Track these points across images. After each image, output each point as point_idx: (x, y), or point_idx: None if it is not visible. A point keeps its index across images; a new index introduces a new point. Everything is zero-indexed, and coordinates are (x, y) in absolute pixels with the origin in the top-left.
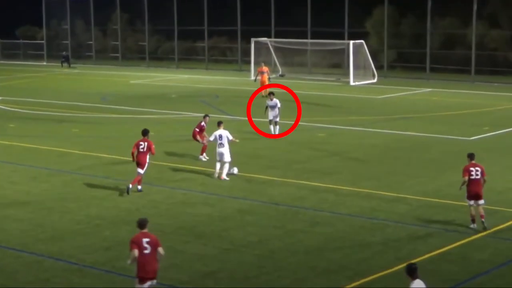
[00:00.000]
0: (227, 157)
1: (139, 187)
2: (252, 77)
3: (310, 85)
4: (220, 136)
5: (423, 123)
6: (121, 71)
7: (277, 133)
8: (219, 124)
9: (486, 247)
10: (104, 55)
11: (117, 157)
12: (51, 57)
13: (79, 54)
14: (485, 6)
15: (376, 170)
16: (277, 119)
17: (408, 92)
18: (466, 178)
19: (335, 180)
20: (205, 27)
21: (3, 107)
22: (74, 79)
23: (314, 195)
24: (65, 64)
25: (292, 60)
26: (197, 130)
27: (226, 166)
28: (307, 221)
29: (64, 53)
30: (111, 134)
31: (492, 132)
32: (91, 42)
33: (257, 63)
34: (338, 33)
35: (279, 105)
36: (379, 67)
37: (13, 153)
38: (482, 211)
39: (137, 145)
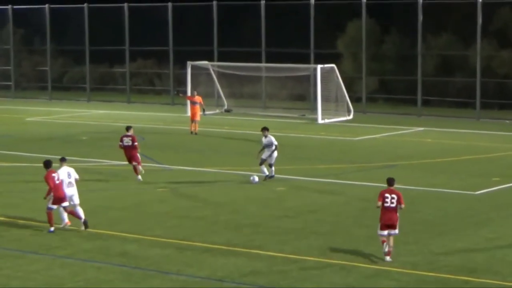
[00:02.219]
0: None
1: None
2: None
3: (265, 123)
4: (69, 174)
5: (412, 173)
6: (13, 105)
7: (273, 175)
8: (62, 160)
9: None
10: None
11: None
12: None
13: None
14: (492, 20)
15: (352, 234)
16: (273, 161)
17: (394, 132)
18: (380, 203)
19: (299, 248)
20: (127, 46)
21: None
22: None
23: (270, 268)
24: None
25: (241, 90)
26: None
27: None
28: None
29: None
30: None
31: (504, 184)
32: None
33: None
34: (302, 54)
35: (275, 142)
36: (355, 99)
37: None
38: (391, 243)
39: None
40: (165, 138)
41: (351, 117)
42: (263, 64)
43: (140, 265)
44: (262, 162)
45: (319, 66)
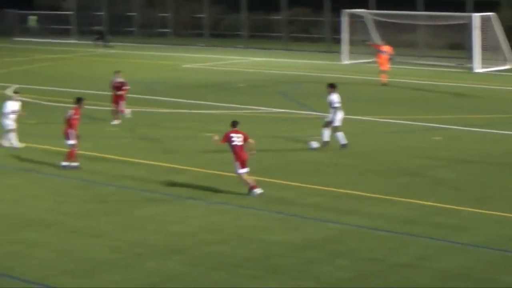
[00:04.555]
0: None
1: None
2: (345, 61)
3: (421, 72)
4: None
5: None
6: (171, 52)
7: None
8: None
9: None
10: (150, 31)
11: (165, 164)
12: (81, 33)
13: (117, 29)
14: None
15: (510, 185)
16: (335, 124)
17: None
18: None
19: (456, 198)
20: None
21: (19, 98)
22: (111, 62)
23: (426, 218)
24: (99, 43)
25: (397, 38)
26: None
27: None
28: (416, 253)
29: (97, 28)
30: (158, 135)
31: None
32: (132, 14)
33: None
34: (459, 2)
35: (334, 104)
36: None
37: (34, 159)
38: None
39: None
40: (320, 86)
41: (509, 66)
42: (420, 13)
43: (297, 213)
44: (327, 124)
45: (477, 15)
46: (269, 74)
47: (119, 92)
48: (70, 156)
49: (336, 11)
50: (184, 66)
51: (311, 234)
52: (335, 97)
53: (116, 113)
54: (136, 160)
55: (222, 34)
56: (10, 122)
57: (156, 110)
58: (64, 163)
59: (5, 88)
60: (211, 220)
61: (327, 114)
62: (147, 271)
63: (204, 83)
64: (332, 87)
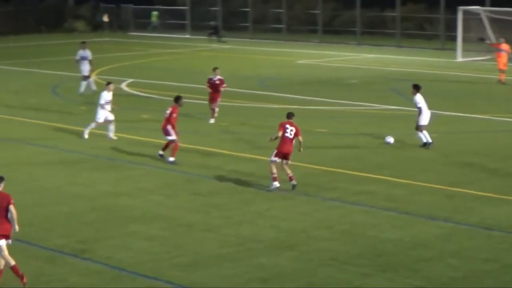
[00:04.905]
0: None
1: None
2: (459, 58)
3: None
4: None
5: None
6: (284, 48)
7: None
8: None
9: None
10: (263, 27)
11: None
12: (196, 28)
13: (231, 24)
14: None
15: None
16: (420, 123)
17: None
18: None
19: None
20: None
21: (133, 91)
22: (224, 57)
23: None
24: (214, 38)
25: None
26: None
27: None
28: None
29: (212, 23)
30: (268, 130)
31: None
32: (246, 9)
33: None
34: None
35: (418, 105)
36: None
37: (146, 152)
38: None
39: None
40: (433, 84)
41: None
42: None
43: (408, 210)
44: (419, 127)
45: None
46: (382, 70)
47: (217, 90)
48: (175, 150)
49: (451, 8)
50: (297, 62)
51: (421, 232)
52: (418, 98)
53: (213, 111)
54: (246, 155)
55: (336, 30)
56: (107, 113)
57: (268, 105)
58: (171, 159)
59: (119, 82)
60: (322, 217)
61: (438, 112)
62: (257, 266)
63: (317, 79)
64: (415, 88)
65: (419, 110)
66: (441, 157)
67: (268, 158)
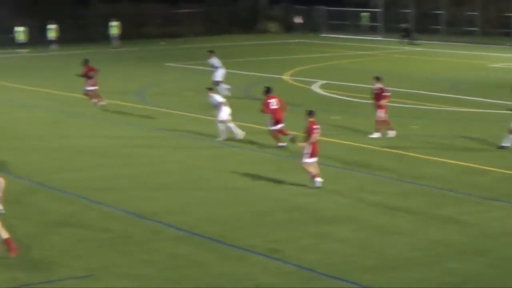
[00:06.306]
0: None
1: None
2: None
3: None
4: None
5: None
6: (478, 51)
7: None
8: None
9: None
10: (457, 29)
11: (463, 163)
12: (388, 30)
13: (423, 26)
14: None
15: None
16: None
17: None
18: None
19: None
20: None
21: (325, 93)
22: (416, 59)
23: None
24: (405, 40)
25: None
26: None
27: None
28: None
29: (403, 25)
30: (457, 134)
31: None
32: (439, 12)
33: None
34: None
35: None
36: None
37: (335, 154)
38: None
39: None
40: None
41: None
42: None
43: None
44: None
45: None
46: None
47: (380, 101)
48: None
49: None
50: (490, 65)
51: None
52: None
53: (382, 124)
54: (435, 158)
55: None
56: (225, 115)
57: (460, 109)
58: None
59: (312, 83)
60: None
61: None
62: (447, 271)
63: (510, 83)
64: None
65: None
66: None
67: (455, 161)
